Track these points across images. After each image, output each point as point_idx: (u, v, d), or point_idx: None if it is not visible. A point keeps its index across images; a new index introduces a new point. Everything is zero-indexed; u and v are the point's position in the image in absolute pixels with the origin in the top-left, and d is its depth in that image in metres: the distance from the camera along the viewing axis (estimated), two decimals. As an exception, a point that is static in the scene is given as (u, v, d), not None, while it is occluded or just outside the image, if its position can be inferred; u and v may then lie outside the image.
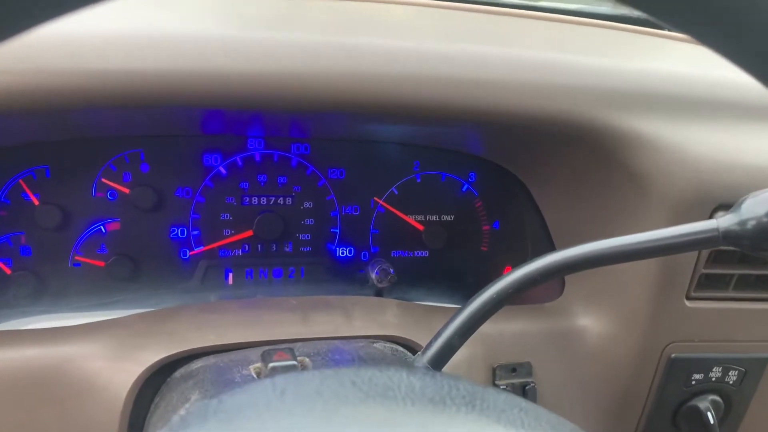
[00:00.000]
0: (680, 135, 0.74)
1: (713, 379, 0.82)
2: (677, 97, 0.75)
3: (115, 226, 0.84)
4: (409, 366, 0.63)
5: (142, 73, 0.61)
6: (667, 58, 0.84)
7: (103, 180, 0.82)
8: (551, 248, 0.89)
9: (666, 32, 0.94)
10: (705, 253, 0.76)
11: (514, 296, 0.61)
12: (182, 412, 0.54)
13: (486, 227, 0.97)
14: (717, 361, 0.82)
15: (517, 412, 0.36)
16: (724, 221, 0.58)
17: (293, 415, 0.31)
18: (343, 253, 0.93)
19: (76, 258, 0.83)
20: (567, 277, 0.87)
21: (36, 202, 0.80)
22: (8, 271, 0.81)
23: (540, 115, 0.71)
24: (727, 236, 0.57)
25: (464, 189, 0.95)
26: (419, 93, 0.67)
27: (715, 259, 0.77)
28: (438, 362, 0.60)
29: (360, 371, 0.36)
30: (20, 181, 0.79)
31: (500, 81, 0.69)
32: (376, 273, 0.88)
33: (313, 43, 0.65)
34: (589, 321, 0.83)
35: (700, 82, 0.78)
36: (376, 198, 0.92)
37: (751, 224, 0.56)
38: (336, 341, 0.70)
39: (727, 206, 0.73)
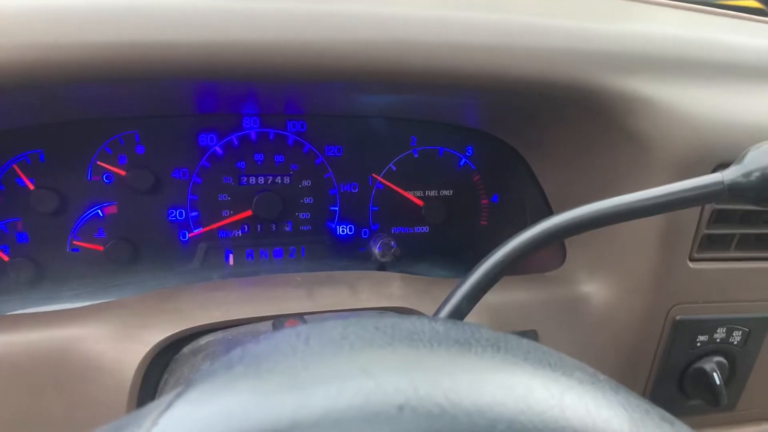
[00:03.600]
0: (679, 96, 0.74)
1: (718, 340, 0.83)
2: (674, 58, 0.75)
3: (112, 209, 0.83)
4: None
5: (131, 45, 0.59)
6: (659, 21, 0.84)
7: (99, 163, 0.81)
8: (551, 218, 0.89)
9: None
10: (707, 213, 0.77)
11: (519, 261, 0.61)
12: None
13: (485, 201, 0.97)
14: (721, 322, 0.82)
15: (542, 354, 0.36)
16: (728, 174, 0.58)
17: (322, 358, 0.31)
18: (343, 231, 0.92)
19: (75, 243, 0.82)
20: (568, 245, 0.87)
21: (31, 187, 0.79)
22: (6, 258, 0.80)
23: (540, 80, 0.70)
24: (732, 188, 0.57)
25: (462, 163, 0.95)
26: (414, 59, 0.66)
27: (717, 218, 0.78)
28: (448, 327, 0.60)
29: (381, 319, 0.36)
30: (14, 166, 0.78)
31: (498, 46, 0.69)
32: (379, 248, 0.88)
33: (303, 11, 0.64)
34: (592, 287, 0.83)
35: (695, 44, 0.78)
36: (374, 174, 0.92)
37: (755, 175, 0.56)
38: (344, 313, 0.70)
39: (727, 165, 0.73)
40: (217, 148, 0.85)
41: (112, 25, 0.59)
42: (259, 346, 0.33)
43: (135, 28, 0.60)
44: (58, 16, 0.58)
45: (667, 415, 0.31)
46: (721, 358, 0.84)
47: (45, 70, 0.59)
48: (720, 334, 0.83)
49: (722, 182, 0.57)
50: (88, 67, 0.60)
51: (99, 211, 0.82)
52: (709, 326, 0.82)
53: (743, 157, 0.58)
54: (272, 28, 0.63)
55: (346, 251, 0.92)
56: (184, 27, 0.61)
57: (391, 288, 0.76)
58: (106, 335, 0.67)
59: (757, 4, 1.07)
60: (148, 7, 0.60)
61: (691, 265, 0.79)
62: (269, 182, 0.88)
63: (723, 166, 0.73)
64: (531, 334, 0.80)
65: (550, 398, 0.29)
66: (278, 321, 0.57)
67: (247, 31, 0.62)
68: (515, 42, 0.70)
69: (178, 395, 0.29)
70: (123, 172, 0.82)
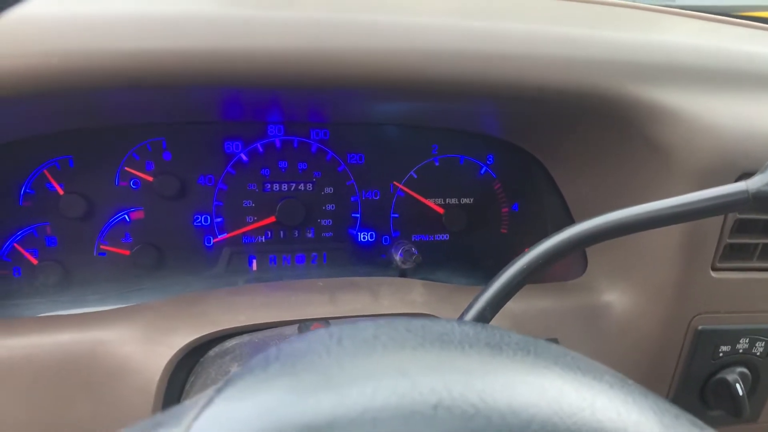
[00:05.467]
0: (702, 106, 0.74)
1: (740, 350, 0.82)
2: (697, 68, 0.76)
3: (139, 214, 0.84)
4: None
5: (161, 52, 0.61)
6: (681, 31, 0.85)
7: (127, 169, 0.83)
8: (572, 227, 0.90)
9: (679, 10, 0.94)
10: (729, 222, 0.77)
11: (542, 269, 0.61)
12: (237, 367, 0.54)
13: (505, 209, 0.97)
14: (744, 333, 0.82)
15: (570, 359, 0.36)
16: (753, 183, 0.58)
17: (355, 358, 0.31)
18: (364, 237, 0.93)
19: (101, 247, 0.84)
20: (590, 254, 0.87)
21: (61, 192, 0.81)
22: (35, 261, 0.81)
23: (562, 89, 0.71)
24: (757, 197, 0.57)
25: (483, 171, 0.96)
26: (436, 68, 0.67)
27: (740, 228, 0.77)
28: (471, 334, 0.60)
29: (411, 321, 0.37)
30: (45, 171, 0.80)
31: (521, 55, 0.70)
32: (400, 255, 0.89)
33: (331, 21, 0.65)
34: (614, 296, 0.83)
35: (717, 53, 0.78)
36: (395, 182, 0.93)
37: (781, 184, 0.57)
38: (367, 318, 0.70)
39: (750, 174, 0.73)
40: (243, 155, 0.86)
41: (140, 33, 0.61)
42: (293, 345, 0.33)
43: (162, 36, 0.61)
44: (89, 24, 0.60)
45: (697, 420, 0.31)
46: (743, 369, 0.83)
47: (76, 77, 0.61)
48: (743, 344, 0.82)
49: (747, 191, 0.57)
50: (117, 74, 0.61)
51: (126, 216, 0.84)
52: (732, 336, 0.82)
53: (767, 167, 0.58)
54: (297, 37, 0.64)
55: (367, 258, 0.93)
56: (211, 35, 0.62)
57: (413, 294, 0.77)
58: (132, 338, 0.68)
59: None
60: (175, 16, 0.62)
61: (713, 274, 0.78)
62: (292, 189, 0.89)
63: (746, 175, 0.73)
64: (553, 342, 0.80)
65: (581, 401, 0.29)
66: (304, 325, 0.58)
67: (272, 39, 0.63)
68: (538, 51, 0.70)
69: (218, 392, 0.30)
70: (150, 178, 0.83)
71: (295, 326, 0.63)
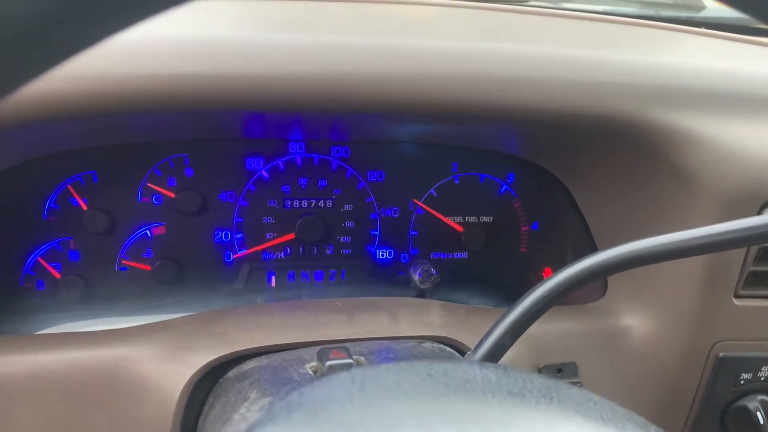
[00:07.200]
0: (726, 131, 0.73)
1: (762, 378, 0.81)
2: (722, 93, 0.75)
3: (160, 230, 0.85)
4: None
5: (187, 77, 0.62)
6: (706, 53, 0.84)
7: (149, 185, 0.84)
8: (592, 249, 0.89)
9: (699, 29, 0.93)
10: (753, 250, 0.76)
11: (562, 297, 0.61)
12: (258, 407, 0.54)
13: (525, 228, 0.97)
14: (766, 360, 0.81)
15: (593, 405, 0.36)
16: (779, 215, 0.57)
17: (379, 408, 0.31)
18: (383, 255, 0.93)
19: (123, 262, 0.84)
20: (610, 277, 0.87)
21: (84, 207, 0.82)
22: (58, 276, 0.82)
23: (585, 114, 0.70)
24: (783, 230, 0.56)
25: (503, 190, 0.95)
26: (460, 93, 0.67)
27: (764, 256, 0.76)
28: (489, 361, 0.60)
29: (434, 365, 0.37)
30: (69, 186, 0.81)
31: (544, 79, 0.69)
32: (419, 275, 0.88)
33: (354, 45, 0.66)
34: (634, 320, 0.82)
35: (743, 78, 0.77)
36: (415, 200, 0.93)
37: (809, 218, 0.56)
38: (386, 341, 0.70)
39: (776, 203, 0.72)
40: (264, 172, 0.87)
41: (166, 58, 0.61)
42: (315, 391, 0.34)
43: (187, 60, 0.62)
44: (120, 49, 0.61)
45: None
46: (765, 397, 0.82)
47: (105, 101, 0.61)
48: (765, 372, 0.81)
49: (773, 224, 0.57)
50: (145, 98, 0.62)
51: (147, 231, 0.85)
52: (754, 364, 0.81)
53: (796, 199, 0.57)
54: (320, 62, 0.64)
55: (386, 275, 0.93)
56: (235, 60, 0.63)
57: (431, 317, 0.77)
58: (152, 356, 0.68)
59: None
60: (201, 42, 0.63)
61: (735, 301, 0.78)
62: (312, 206, 0.89)
63: (771, 203, 0.72)
64: (570, 366, 0.80)
65: (604, 456, 0.29)
66: (323, 351, 0.58)
67: (296, 64, 0.64)
68: (559, 75, 0.70)
69: None
70: (172, 194, 0.84)
71: (314, 349, 0.63)
